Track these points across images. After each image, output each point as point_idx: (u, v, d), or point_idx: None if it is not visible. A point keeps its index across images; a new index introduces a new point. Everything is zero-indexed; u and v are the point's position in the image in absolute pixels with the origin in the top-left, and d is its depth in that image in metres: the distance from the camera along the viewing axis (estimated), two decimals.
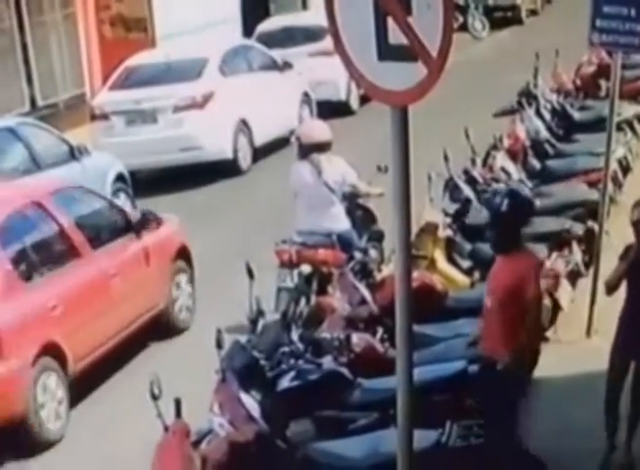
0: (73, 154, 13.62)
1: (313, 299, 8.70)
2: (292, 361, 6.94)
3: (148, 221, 10.29)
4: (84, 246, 9.50)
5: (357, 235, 9.47)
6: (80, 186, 10.53)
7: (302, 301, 8.96)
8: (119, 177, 14.22)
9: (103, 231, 10.09)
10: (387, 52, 4.32)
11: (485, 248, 9.36)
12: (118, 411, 8.77)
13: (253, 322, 7.12)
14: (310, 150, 9.54)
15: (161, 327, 10.26)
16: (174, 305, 10.39)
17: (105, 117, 16.29)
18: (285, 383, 6.85)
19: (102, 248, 9.75)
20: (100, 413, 8.88)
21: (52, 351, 8.60)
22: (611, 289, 6.62)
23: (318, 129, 9.96)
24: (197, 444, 6.09)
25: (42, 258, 9.16)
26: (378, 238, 9.67)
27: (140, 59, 17.51)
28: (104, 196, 10.60)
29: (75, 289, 9.18)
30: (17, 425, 8.29)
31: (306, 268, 9.16)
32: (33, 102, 20.28)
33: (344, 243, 9.28)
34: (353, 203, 9.70)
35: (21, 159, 13.02)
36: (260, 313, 7.14)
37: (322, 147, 9.55)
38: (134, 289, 9.82)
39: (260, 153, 16.64)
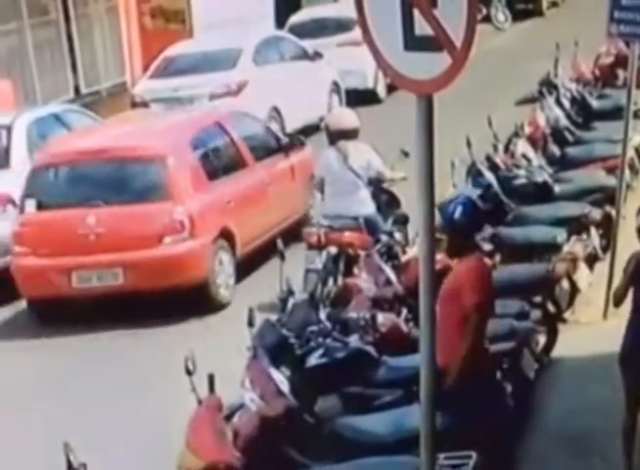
0: None
1: (340, 279, 8.62)
2: (320, 339, 6.87)
3: (294, 145, 12.37)
4: (249, 158, 11.56)
5: (382, 218, 9.37)
6: (246, 113, 12.59)
7: (330, 281, 8.87)
8: None
9: (262, 148, 12.03)
10: (412, 42, 4.26)
11: (506, 232, 9.30)
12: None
13: (284, 301, 7.07)
14: (338, 136, 9.44)
15: (299, 232, 11.26)
16: (310, 215, 11.89)
17: (145, 104, 16.27)
18: (313, 360, 6.80)
19: (261, 161, 11.75)
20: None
21: (226, 235, 10.66)
22: (618, 301, 6.09)
23: (346, 117, 9.86)
24: (229, 418, 6.04)
25: (221, 164, 11.27)
26: (403, 221, 9.56)
27: (178, 49, 17.48)
28: (262, 122, 12.68)
29: (244, 190, 11.21)
30: (200, 287, 10.31)
31: (333, 250, 9.07)
32: (77, 90, 20.31)
33: (370, 226, 9.19)
34: (378, 187, 9.59)
35: None
36: (290, 293, 7.09)
37: (349, 134, 9.45)
38: (283, 197, 11.74)
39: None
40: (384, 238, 8.40)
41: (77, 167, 10.84)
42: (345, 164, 9.30)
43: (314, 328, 6.88)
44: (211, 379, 5.82)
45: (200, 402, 5.74)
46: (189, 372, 5.73)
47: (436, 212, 8.69)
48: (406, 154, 9.26)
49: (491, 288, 6.34)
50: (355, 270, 8.74)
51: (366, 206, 9.40)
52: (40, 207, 10.59)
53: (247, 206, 11.08)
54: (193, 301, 10.29)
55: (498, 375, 6.57)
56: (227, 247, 10.69)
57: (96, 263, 10.25)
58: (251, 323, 6.45)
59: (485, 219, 6.72)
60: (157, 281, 10.11)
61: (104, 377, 9.09)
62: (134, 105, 16.60)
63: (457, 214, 6.59)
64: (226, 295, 10.52)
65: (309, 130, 16.31)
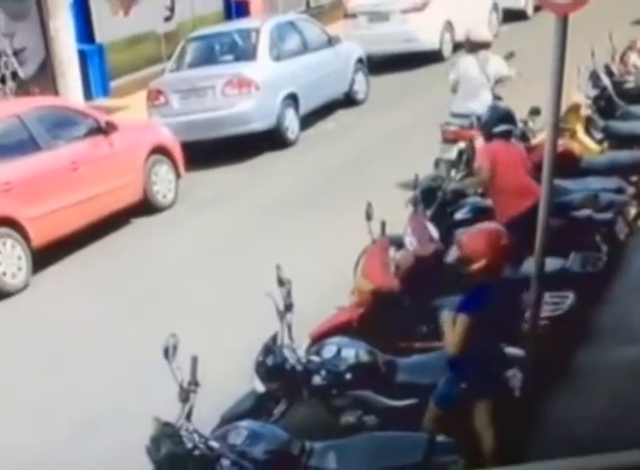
0: (330, 42, 13.16)
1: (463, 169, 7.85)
2: (466, 200, 6.54)
3: None
4: None
5: None
6: None
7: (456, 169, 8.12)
8: (359, 60, 13.59)
9: None
10: None
11: (615, 125, 8.48)
12: None
13: (449, 172, 6.71)
14: (478, 47, 8.67)
15: None
16: None
17: (354, 15, 15.63)
18: (460, 215, 6.50)
19: None
20: None
21: None
22: None
23: (485, 32, 9.02)
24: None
25: None
26: (536, 113, 8.80)
27: None
28: None
29: None
30: None
31: (462, 144, 8.34)
32: (308, 3, 19.83)
33: None
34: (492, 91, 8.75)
35: (295, 44, 12.66)
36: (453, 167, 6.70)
37: (486, 46, 8.65)
38: None
39: (460, 46, 15.62)
40: (520, 125, 7.76)
41: None
42: (483, 71, 8.52)
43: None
44: (383, 225, 5.59)
45: (373, 242, 5.55)
46: (369, 217, 5.51)
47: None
48: (511, 54, 8.45)
49: None
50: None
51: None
52: None
53: None
54: None
55: (598, 238, 6.08)
56: None
57: None
58: (414, 186, 6.17)
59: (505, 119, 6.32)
60: None
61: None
62: (346, 16, 16.06)
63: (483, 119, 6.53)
64: None
65: None
